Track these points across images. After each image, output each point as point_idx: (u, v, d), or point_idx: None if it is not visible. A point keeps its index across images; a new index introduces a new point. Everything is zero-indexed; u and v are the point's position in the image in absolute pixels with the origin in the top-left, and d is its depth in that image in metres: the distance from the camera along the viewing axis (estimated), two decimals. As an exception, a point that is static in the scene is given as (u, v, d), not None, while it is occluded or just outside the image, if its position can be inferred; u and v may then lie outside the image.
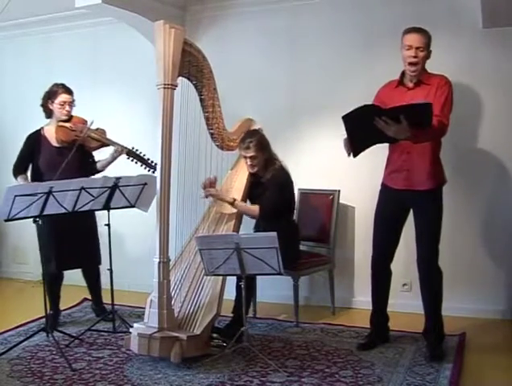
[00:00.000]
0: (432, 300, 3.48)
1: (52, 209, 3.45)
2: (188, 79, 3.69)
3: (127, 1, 4.33)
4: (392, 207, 3.54)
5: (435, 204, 3.45)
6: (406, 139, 3.23)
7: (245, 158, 3.91)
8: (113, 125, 5.01)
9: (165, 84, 3.42)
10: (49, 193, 3.36)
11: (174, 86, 3.45)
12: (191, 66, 3.62)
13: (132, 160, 4.12)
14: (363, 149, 3.34)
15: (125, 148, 4.11)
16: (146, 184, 3.77)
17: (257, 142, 3.86)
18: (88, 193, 3.54)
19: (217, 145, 3.90)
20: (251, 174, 3.99)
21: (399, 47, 3.43)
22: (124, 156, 4.12)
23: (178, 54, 3.46)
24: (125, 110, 5.22)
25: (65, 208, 3.50)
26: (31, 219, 3.53)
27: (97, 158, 4.26)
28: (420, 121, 3.11)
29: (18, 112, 5.42)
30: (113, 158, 4.14)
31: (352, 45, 4.45)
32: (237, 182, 4.03)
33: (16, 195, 3.27)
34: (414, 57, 3.33)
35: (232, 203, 3.85)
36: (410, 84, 3.42)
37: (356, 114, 3.12)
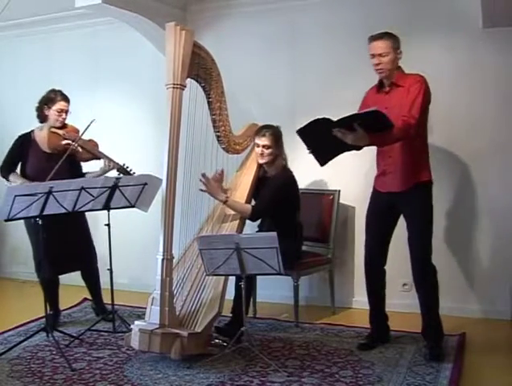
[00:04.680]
0: (428, 298, 3.48)
1: (52, 209, 3.46)
2: (197, 81, 3.73)
3: (127, 1, 4.33)
4: (380, 210, 3.57)
5: (422, 203, 3.45)
6: (369, 144, 3.27)
7: (258, 146, 3.94)
8: (113, 125, 5.05)
9: (174, 84, 3.46)
10: (49, 193, 3.37)
11: (183, 86, 3.50)
12: (200, 68, 3.68)
13: (119, 174, 4.06)
14: (330, 159, 3.44)
15: (117, 164, 4.06)
16: (146, 184, 3.77)
17: (273, 133, 3.93)
18: (88, 193, 3.55)
19: (223, 148, 3.94)
20: (259, 167, 4.02)
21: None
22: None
23: (188, 55, 3.51)
24: (126, 110, 5.22)
25: (65, 208, 3.51)
26: (22, 221, 3.51)
27: (85, 170, 4.21)
28: (379, 126, 3.15)
29: (18, 113, 5.40)
30: (104, 172, 4.04)
31: (351, 45, 4.43)
32: (243, 181, 4.05)
33: (16, 195, 3.28)
34: (378, 64, 3.39)
35: (224, 202, 3.84)
36: (387, 88, 3.46)
37: (309, 129, 3.22)
